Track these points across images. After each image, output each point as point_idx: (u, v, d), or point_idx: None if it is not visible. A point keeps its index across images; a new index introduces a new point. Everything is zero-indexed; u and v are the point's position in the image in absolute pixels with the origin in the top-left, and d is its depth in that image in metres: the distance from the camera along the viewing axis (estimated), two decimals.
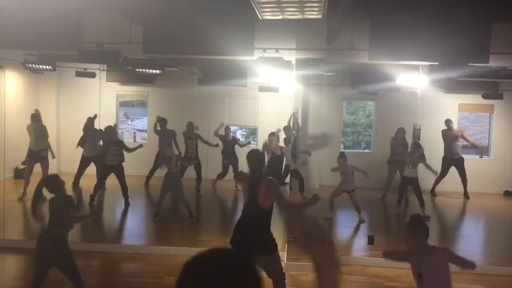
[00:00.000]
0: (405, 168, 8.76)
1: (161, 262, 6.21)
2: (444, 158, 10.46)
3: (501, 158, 11.20)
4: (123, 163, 9.01)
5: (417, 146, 8.65)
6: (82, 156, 9.79)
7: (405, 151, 9.36)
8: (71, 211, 4.48)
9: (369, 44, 6.40)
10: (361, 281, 5.90)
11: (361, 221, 8.19)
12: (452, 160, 10.41)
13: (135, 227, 8.44)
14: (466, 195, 10.41)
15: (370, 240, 6.33)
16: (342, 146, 13.52)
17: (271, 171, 6.85)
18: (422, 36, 5.93)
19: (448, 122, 10.73)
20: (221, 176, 10.47)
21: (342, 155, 8.41)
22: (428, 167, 8.63)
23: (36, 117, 9.64)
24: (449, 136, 10.59)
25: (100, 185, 9.03)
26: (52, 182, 4.56)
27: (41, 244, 4.38)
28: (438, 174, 9.55)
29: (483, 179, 10.13)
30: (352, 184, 8.20)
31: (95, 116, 9.73)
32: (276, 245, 4.45)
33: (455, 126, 11.95)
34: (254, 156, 4.53)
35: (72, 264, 4.39)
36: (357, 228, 8.19)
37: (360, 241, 7.84)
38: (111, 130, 9.26)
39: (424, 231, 3.75)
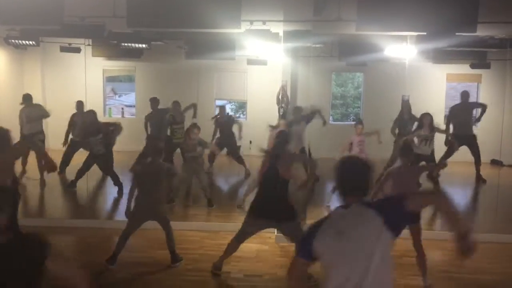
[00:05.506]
0: (417, 145, 8.05)
1: (155, 236, 5.95)
2: (455, 136, 9.16)
3: (488, 128, 11.30)
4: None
5: (431, 119, 8.12)
6: (70, 140, 9.16)
7: (415, 127, 8.50)
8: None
9: (357, 15, 6.33)
10: None
11: None
12: (465, 137, 9.27)
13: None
14: (480, 177, 9.45)
15: None
16: (331, 118, 13.56)
17: None
18: (410, 6, 5.89)
19: (465, 94, 9.63)
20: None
21: (360, 122, 8.20)
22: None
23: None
24: (464, 110, 9.51)
25: (82, 173, 8.27)
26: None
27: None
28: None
29: None
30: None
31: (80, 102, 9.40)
32: None
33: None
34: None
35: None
36: None
37: None
38: (89, 116, 8.48)
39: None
